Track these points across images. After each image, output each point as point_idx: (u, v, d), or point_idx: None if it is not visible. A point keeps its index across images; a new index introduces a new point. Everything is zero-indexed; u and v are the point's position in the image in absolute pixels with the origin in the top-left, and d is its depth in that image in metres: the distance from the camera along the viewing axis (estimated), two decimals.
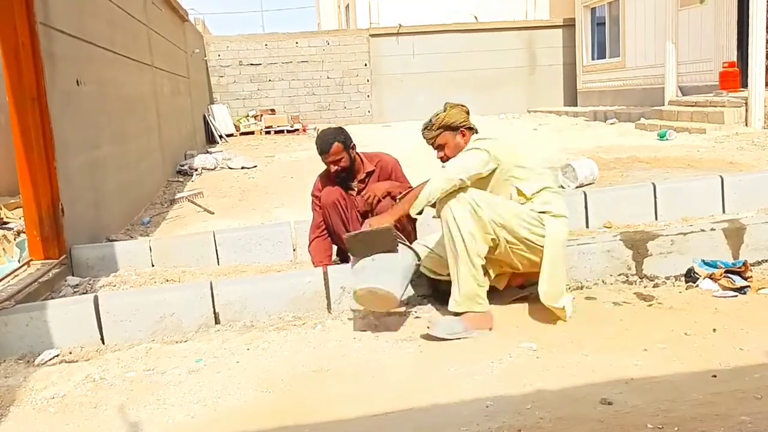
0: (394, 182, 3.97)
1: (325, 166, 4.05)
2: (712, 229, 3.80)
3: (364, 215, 3.87)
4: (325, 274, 3.50)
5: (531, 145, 9.53)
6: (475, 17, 19.80)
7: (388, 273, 2.99)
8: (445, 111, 3.33)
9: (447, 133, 3.31)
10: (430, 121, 3.34)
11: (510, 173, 3.17)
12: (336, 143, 3.88)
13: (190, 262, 4.65)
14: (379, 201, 3.85)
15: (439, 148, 3.35)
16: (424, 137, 3.40)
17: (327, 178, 4.09)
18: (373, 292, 3.01)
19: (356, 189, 4.04)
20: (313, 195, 4.13)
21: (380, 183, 3.95)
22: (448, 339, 3.00)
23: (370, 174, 4.06)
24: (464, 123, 3.31)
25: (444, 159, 3.33)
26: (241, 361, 3.00)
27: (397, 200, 3.57)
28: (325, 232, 4.05)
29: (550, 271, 3.09)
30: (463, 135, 3.32)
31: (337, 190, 4.00)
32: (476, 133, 3.38)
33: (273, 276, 4.08)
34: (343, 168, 3.95)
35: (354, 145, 4.02)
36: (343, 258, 4.00)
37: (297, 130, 17.05)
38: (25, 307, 3.37)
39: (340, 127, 4.02)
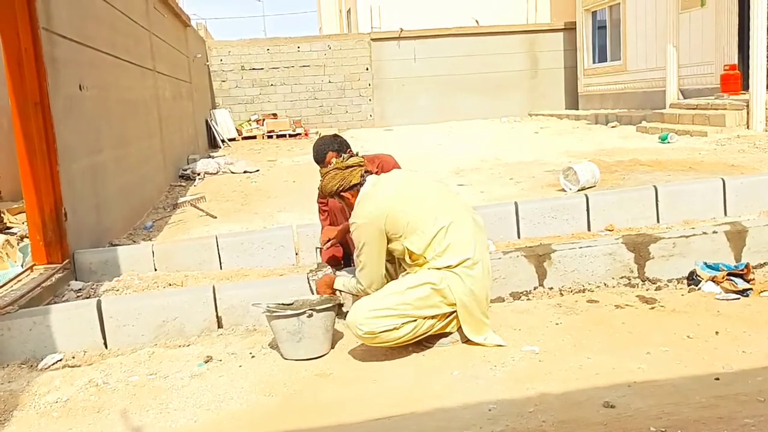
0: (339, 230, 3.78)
1: None
2: (714, 232, 3.80)
3: None
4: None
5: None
6: (477, 21, 19.83)
7: (310, 341, 3.01)
8: (322, 181, 3.20)
9: (336, 198, 3.21)
10: (319, 187, 3.27)
11: (395, 233, 2.97)
12: (329, 153, 3.78)
13: (193, 267, 4.66)
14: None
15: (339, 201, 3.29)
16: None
17: None
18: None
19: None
20: (318, 202, 4.12)
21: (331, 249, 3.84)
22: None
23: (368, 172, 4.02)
24: (340, 188, 3.12)
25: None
26: (243, 365, 3.00)
27: None
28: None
29: (465, 319, 2.99)
30: (351, 196, 3.13)
31: None
32: (363, 175, 3.13)
33: (275, 280, 4.09)
34: None
35: (350, 150, 3.91)
36: (348, 261, 4.01)
37: (299, 134, 17.07)
38: (28, 312, 3.38)
39: (335, 135, 3.98)
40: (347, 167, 3.14)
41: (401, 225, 2.95)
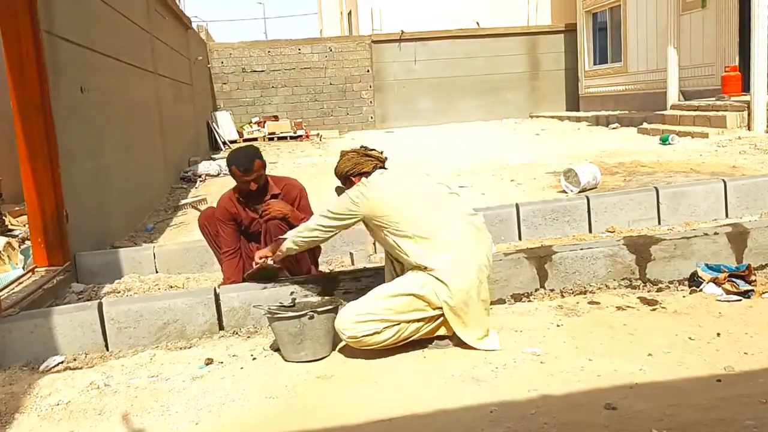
0: (295, 210, 3.74)
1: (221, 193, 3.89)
2: (716, 233, 3.80)
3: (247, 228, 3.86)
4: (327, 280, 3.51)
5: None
6: (477, 23, 19.84)
7: (311, 342, 3.01)
8: (338, 161, 3.32)
9: (346, 183, 3.28)
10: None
11: (383, 221, 3.02)
12: (257, 160, 3.67)
13: (194, 269, 4.67)
14: (271, 218, 3.67)
15: None
16: None
17: (230, 201, 3.85)
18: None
19: (260, 211, 3.78)
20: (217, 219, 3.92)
21: (282, 204, 3.73)
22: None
23: (275, 197, 3.81)
24: (351, 171, 3.24)
25: None
26: (245, 368, 3.00)
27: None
28: (234, 251, 3.88)
29: (453, 322, 2.97)
30: (357, 182, 3.21)
31: (221, 211, 3.85)
32: (378, 167, 3.25)
33: (276, 282, 4.08)
34: (261, 186, 3.76)
35: (265, 163, 3.86)
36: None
37: (300, 136, 17.10)
38: (29, 314, 3.38)
39: (254, 145, 3.95)
40: (365, 155, 3.27)
41: (388, 220, 3.00)
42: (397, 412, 2.47)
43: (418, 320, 2.95)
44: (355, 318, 2.92)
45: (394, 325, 2.92)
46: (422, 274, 2.95)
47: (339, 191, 3.34)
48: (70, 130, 4.74)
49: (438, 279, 2.92)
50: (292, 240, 3.27)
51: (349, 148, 3.39)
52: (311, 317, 2.99)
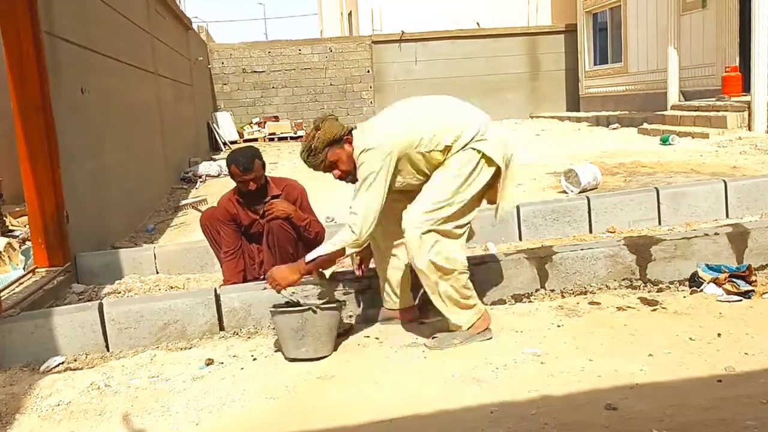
0: (298, 210, 3.76)
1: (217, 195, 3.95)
2: (716, 234, 3.80)
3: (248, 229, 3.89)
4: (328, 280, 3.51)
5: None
6: (477, 23, 19.85)
7: (312, 340, 3.01)
8: (320, 128, 2.99)
9: (335, 148, 2.99)
10: (310, 145, 2.99)
11: (421, 144, 2.93)
12: (257, 160, 3.71)
13: (195, 269, 4.67)
14: (275, 218, 3.70)
15: (332, 166, 3.02)
16: (312, 164, 3.04)
17: (230, 201, 3.89)
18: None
19: (261, 212, 3.82)
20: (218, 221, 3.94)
21: (286, 204, 3.75)
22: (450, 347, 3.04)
23: (275, 198, 3.83)
24: (343, 131, 3.00)
25: (342, 177, 3.05)
26: (245, 368, 3.00)
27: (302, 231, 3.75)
28: (234, 252, 3.91)
29: (504, 183, 3.16)
30: (349, 142, 3.01)
31: (221, 211, 3.88)
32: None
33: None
34: (260, 186, 3.78)
35: (265, 164, 3.88)
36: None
37: (300, 137, 17.09)
38: (30, 315, 3.39)
39: (253, 146, 3.94)
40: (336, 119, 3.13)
41: (428, 135, 2.92)
42: (398, 413, 2.47)
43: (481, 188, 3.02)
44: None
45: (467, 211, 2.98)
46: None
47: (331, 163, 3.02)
48: (71, 131, 4.74)
49: (492, 141, 3.01)
50: (344, 243, 2.93)
51: (318, 118, 3.11)
52: (314, 311, 2.99)
